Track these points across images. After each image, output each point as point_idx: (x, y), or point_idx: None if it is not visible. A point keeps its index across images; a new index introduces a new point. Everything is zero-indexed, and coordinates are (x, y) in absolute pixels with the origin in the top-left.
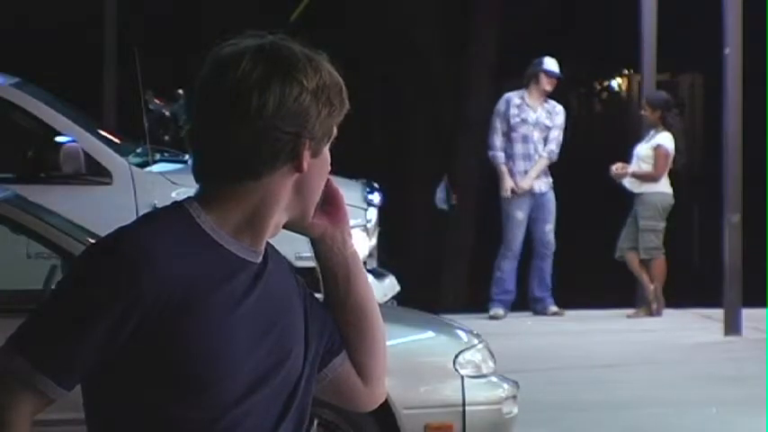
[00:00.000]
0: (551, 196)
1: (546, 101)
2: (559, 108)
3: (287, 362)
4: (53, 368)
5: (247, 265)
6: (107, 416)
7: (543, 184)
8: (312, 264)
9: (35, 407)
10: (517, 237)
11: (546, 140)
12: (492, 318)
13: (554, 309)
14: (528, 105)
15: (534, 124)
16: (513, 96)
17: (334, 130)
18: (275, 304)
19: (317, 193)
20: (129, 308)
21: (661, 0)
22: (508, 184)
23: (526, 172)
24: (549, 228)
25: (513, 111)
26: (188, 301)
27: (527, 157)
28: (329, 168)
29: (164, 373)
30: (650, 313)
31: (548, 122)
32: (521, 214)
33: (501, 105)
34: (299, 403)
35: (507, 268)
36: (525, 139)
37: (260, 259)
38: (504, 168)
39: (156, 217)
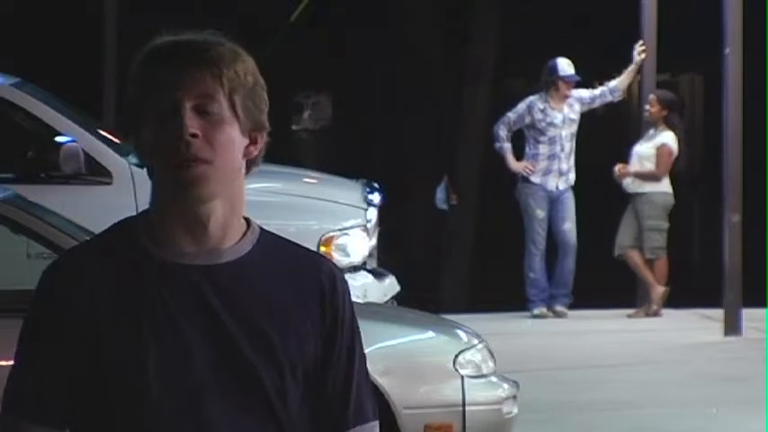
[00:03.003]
0: (570, 195)
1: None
2: (575, 94)
3: (245, 372)
4: (36, 412)
5: (191, 270)
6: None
7: (562, 182)
8: None
9: None
10: (542, 235)
11: (573, 134)
12: (536, 317)
13: (560, 309)
14: (552, 108)
15: (562, 124)
16: (536, 101)
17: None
18: (236, 310)
19: (158, 149)
20: (64, 322)
21: (661, 0)
22: (520, 165)
23: (548, 171)
24: (569, 226)
25: (538, 116)
26: (117, 311)
27: (553, 156)
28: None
29: (105, 387)
30: (649, 313)
31: (573, 116)
32: (541, 213)
33: (522, 108)
34: (281, 421)
35: (538, 267)
36: (552, 140)
37: (217, 261)
38: (512, 156)
39: (98, 235)
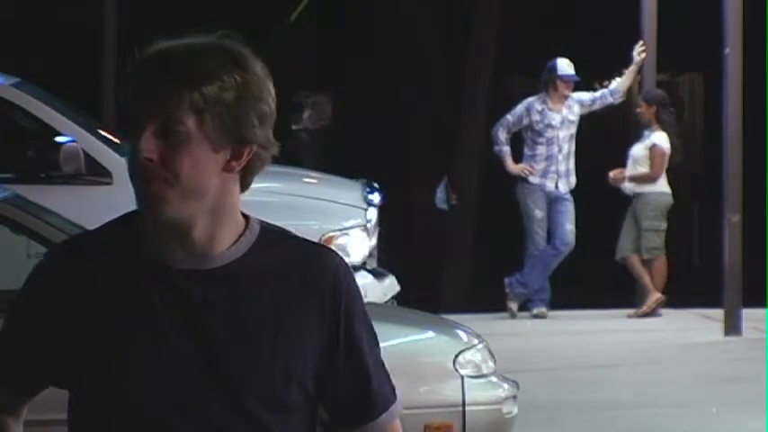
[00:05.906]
0: (570, 198)
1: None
2: (575, 96)
3: (226, 379)
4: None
5: (179, 274)
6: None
7: (562, 184)
8: None
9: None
10: (541, 235)
11: (572, 136)
12: (536, 316)
13: (542, 310)
14: (550, 109)
15: (560, 125)
16: (535, 103)
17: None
18: (223, 317)
19: (129, 157)
20: (44, 304)
21: (661, 0)
22: (518, 167)
23: (546, 173)
24: (570, 228)
25: (536, 117)
26: (100, 305)
27: (550, 157)
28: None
29: (83, 375)
30: (638, 314)
31: (571, 117)
32: (540, 213)
33: (521, 109)
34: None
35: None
36: (550, 141)
37: (205, 266)
38: (510, 160)
39: (101, 226)
